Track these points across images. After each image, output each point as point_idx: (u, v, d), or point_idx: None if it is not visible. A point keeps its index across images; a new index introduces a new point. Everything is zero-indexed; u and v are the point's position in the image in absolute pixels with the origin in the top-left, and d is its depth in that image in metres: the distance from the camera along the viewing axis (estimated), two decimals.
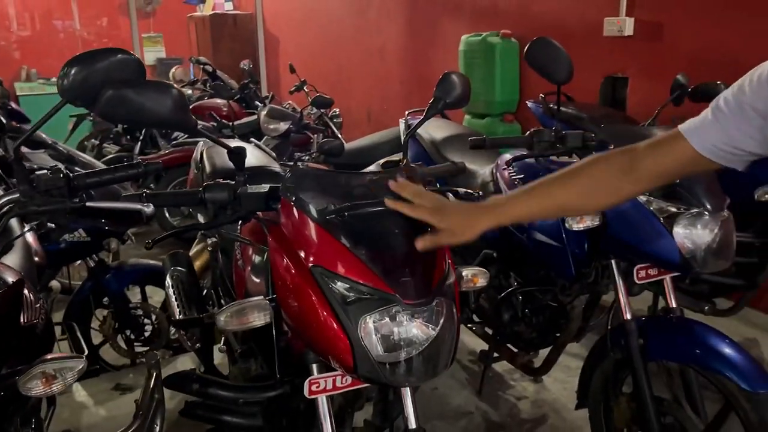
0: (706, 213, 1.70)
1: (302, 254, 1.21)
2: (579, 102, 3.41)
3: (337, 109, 5.41)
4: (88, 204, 1.24)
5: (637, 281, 1.84)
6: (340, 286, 1.15)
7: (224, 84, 5.88)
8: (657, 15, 3.53)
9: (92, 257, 2.91)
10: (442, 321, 1.18)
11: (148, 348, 2.98)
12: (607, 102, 3.85)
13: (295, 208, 1.25)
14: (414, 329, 1.16)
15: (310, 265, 1.18)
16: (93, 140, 6.04)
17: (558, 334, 2.32)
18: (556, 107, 2.16)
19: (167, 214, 4.96)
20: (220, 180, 1.36)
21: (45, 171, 1.25)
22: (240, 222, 1.73)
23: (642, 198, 1.75)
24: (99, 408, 2.66)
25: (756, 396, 1.61)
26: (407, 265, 1.17)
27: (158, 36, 9.20)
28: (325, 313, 1.15)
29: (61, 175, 1.24)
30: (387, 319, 1.15)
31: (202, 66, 6.78)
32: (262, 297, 1.30)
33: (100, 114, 1.14)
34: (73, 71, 1.16)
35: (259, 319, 1.27)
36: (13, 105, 5.18)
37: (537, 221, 2.05)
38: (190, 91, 6.69)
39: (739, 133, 1.01)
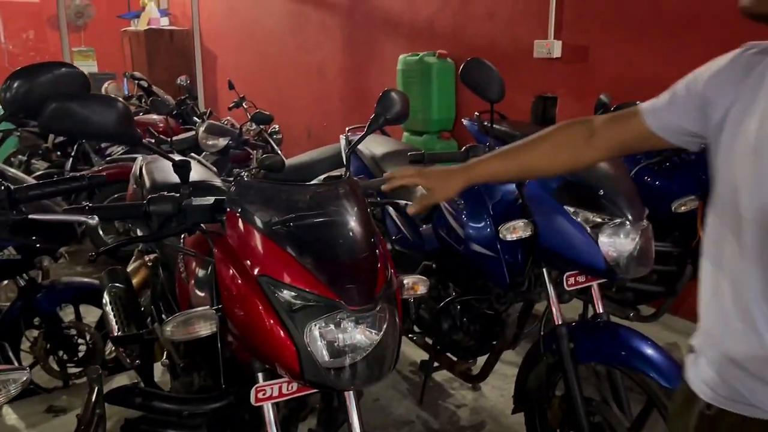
0: (628, 223, 1.82)
1: (248, 264, 1.24)
2: (512, 120, 3.55)
3: (277, 126, 5.42)
4: (30, 216, 1.23)
5: (566, 288, 1.95)
6: (286, 294, 1.19)
7: (161, 99, 5.79)
8: (582, 39, 3.74)
9: (22, 276, 2.81)
10: (385, 326, 1.24)
11: (81, 369, 2.89)
12: (538, 120, 4.03)
13: (240, 220, 1.28)
14: (358, 335, 1.21)
15: (257, 274, 1.22)
16: (20, 156, 5.82)
17: (494, 342, 2.41)
18: (489, 125, 2.27)
19: (101, 231, 4.83)
20: (165, 193, 1.37)
21: None
22: (183, 235, 1.74)
23: (570, 209, 1.87)
24: (31, 431, 2.56)
25: (675, 392, 1.73)
26: (351, 272, 1.22)
27: (89, 50, 8.97)
28: (271, 321, 1.19)
29: (2, 188, 1.23)
30: (332, 325, 1.19)
31: (137, 81, 6.66)
32: (208, 307, 1.32)
33: (44, 126, 1.15)
34: (16, 84, 1.17)
35: (205, 328, 1.29)
36: None
37: (472, 232, 2.14)
38: None
39: (689, 115, 1.08)
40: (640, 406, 1.89)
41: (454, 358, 2.58)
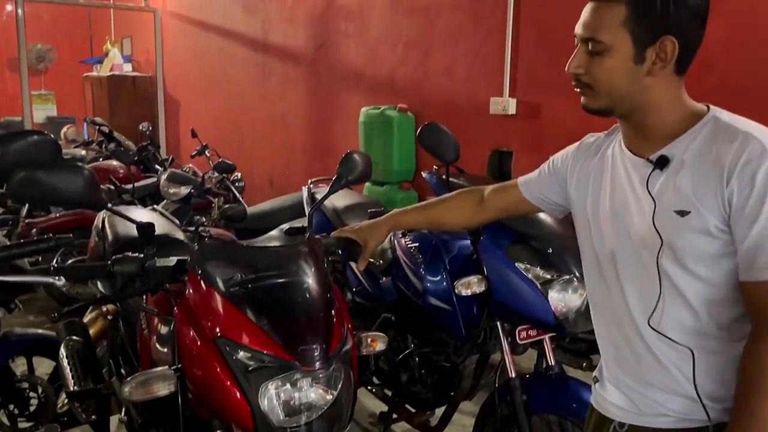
0: (576, 279, 1.92)
1: (207, 325, 1.28)
2: (469, 174, 3.67)
3: (239, 174, 5.46)
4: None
5: (519, 342, 2.02)
6: (242, 355, 1.23)
7: (123, 148, 5.78)
8: (535, 96, 3.93)
9: None
10: (340, 385, 1.28)
11: (32, 423, 2.82)
12: (495, 174, 4.17)
13: (201, 281, 1.33)
14: (313, 394, 1.25)
15: (215, 335, 1.26)
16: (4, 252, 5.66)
17: (452, 393, 2.46)
18: (446, 179, 2.37)
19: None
20: (129, 254, 1.41)
21: None
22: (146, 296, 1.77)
23: (521, 265, 1.96)
24: None
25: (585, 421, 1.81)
26: (307, 333, 1.27)
27: (49, 94, 8.94)
28: (227, 382, 1.22)
29: None
30: (288, 385, 1.23)
31: (98, 127, 6.64)
32: (167, 367, 1.34)
33: (11, 195, 1.18)
34: None
35: (164, 388, 1.31)
36: None
37: (430, 286, 2.21)
38: (84, 152, 6.51)
39: (552, 188, 1.40)
40: None
41: (413, 410, 2.61)
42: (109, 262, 1.37)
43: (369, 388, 2.71)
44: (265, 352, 1.23)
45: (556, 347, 2.89)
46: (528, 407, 1.98)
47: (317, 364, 1.24)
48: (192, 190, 4.60)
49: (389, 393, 2.68)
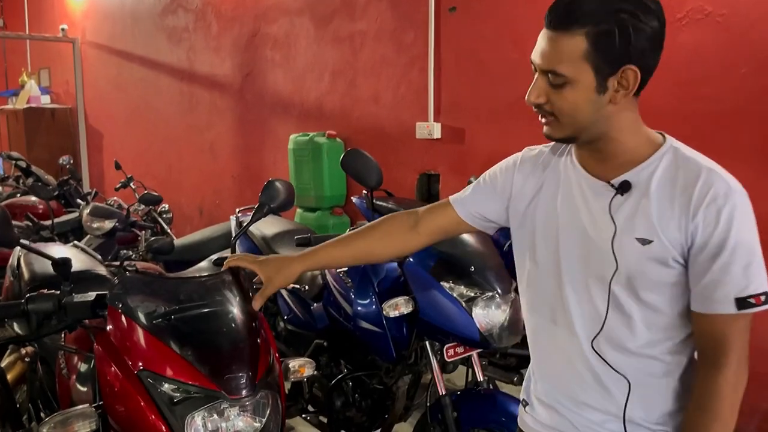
0: (498, 295, 1.99)
1: (129, 359, 1.26)
2: (397, 197, 3.74)
3: (167, 205, 5.34)
4: None
5: (447, 359, 2.07)
6: (167, 387, 1.22)
7: (41, 184, 5.57)
8: (458, 122, 4.05)
9: None
10: (268, 412, 1.28)
11: None
12: (423, 196, 4.26)
13: (122, 315, 1.30)
14: (240, 422, 1.25)
15: (138, 369, 1.24)
16: None
17: (386, 416, 2.48)
18: (372, 204, 2.41)
19: None
20: (44, 291, 1.37)
21: None
22: (64, 334, 1.71)
23: (446, 284, 2.01)
24: None
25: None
26: (232, 362, 1.27)
27: None
28: (152, 416, 1.21)
29: None
30: (214, 414, 1.23)
31: (14, 162, 6.38)
32: (87, 405, 1.31)
33: None
34: None
35: (84, 427, 1.27)
36: None
37: (360, 310, 2.24)
38: (0, 189, 6.23)
39: (488, 205, 1.32)
40: None
41: None
42: (23, 300, 1.33)
43: (304, 416, 2.70)
44: (190, 382, 1.21)
45: (488, 363, 2.97)
46: (459, 424, 2.02)
47: (243, 392, 1.24)
48: (117, 224, 4.48)
49: (324, 420, 2.67)
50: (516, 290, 2.05)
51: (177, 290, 1.35)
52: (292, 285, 1.84)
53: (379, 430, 2.55)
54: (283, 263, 1.40)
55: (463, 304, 1.99)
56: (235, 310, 1.37)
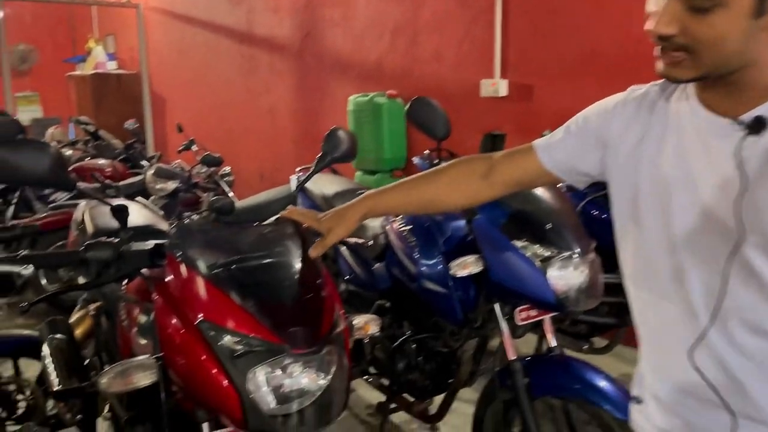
0: (576, 256, 1.85)
1: (189, 310, 1.20)
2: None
3: (228, 168, 5.37)
4: None
5: (518, 323, 1.95)
6: (227, 340, 1.15)
7: (108, 143, 5.68)
8: (526, 78, 3.85)
9: None
10: (333, 369, 1.20)
11: (21, 426, 2.73)
12: None
13: (181, 264, 1.25)
14: (304, 379, 1.17)
15: (197, 320, 1.18)
16: None
17: (451, 380, 2.39)
18: (438, 162, 2.29)
19: (43, 281, 4.65)
20: (103, 239, 1.33)
21: None
22: (125, 282, 1.68)
23: (518, 243, 1.88)
24: None
25: (629, 424, 1.74)
26: (296, 315, 1.19)
27: (34, 95, 8.77)
28: (213, 369, 1.14)
29: None
30: (277, 370, 1.15)
31: (83, 126, 6.54)
32: (147, 356, 1.26)
33: None
34: None
35: (144, 378, 1.23)
36: None
37: (424, 270, 2.14)
38: (70, 152, 6.40)
39: (579, 154, 1.12)
40: None
41: (411, 399, 2.54)
42: (82, 248, 1.29)
43: (365, 377, 2.64)
44: (252, 335, 1.15)
45: (556, 330, 2.83)
46: (530, 391, 1.91)
47: (308, 347, 1.16)
48: (179, 185, 4.52)
49: (386, 382, 2.60)
50: (596, 250, 1.90)
51: (237, 239, 1.29)
52: (354, 240, 1.76)
53: (443, 394, 2.47)
54: (341, 212, 1.28)
55: (538, 264, 1.85)
56: (298, 261, 1.29)
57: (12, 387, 2.79)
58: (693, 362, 0.95)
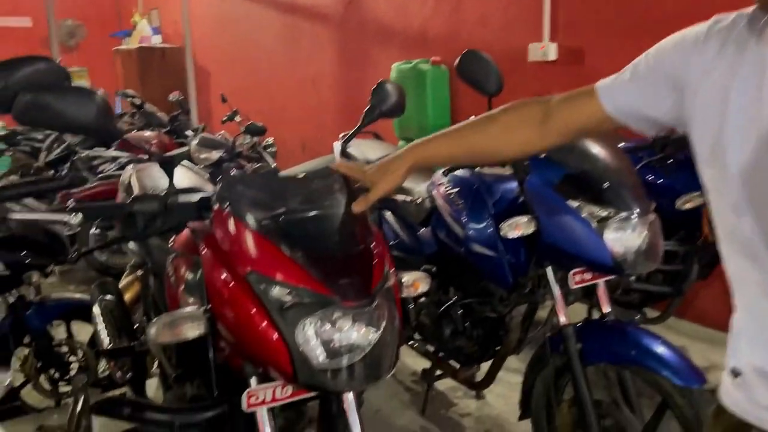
0: (635, 216, 1.76)
1: (237, 262, 1.17)
2: None
3: (271, 138, 5.37)
4: (11, 216, 1.17)
5: (572, 286, 1.88)
6: (276, 291, 1.12)
7: (153, 115, 5.75)
8: (578, 41, 3.70)
9: (11, 293, 2.74)
10: (383, 323, 1.16)
11: (73, 378, 2.80)
12: None
13: (228, 216, 1.22)
14: (354, 333, 1.13)
15: (246, 272, 1.15)
16: (13, 176, 5.78)
17: (498, 347, 2.34)
18: None
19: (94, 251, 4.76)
20: (150, 192, 1.31)
21: None
22: (172, 240, 1.68)
23: (573, 203, 1.80)
24: None
25: (690, 392, 1.66)
26: (345, 267, 1.16)
27: (83, 70, 8.93)
28: (261, 321, 1.12)
29: None
30: (327, 324, 1.12)
31: (129, 99, 6.63)
32: (196, 307, 1.25)
33: (16, 119, 1.09)
34: None
35: (192, 330, 1.21)
36: None
37: (473, 233, 2.07)
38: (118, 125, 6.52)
39: (650, 97, 0.99)
40: (650, 409, 1.82)
41: (457, 366, 2.50)
42: (129, 200, 1.27)
43: (411, 343, 2.61)
44: (301, 286, 1.11)
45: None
46: (583, 357, 1.84)
47: (358, 300, 1.12)
48: (223, 155, 4.53)
49: (432, 349, 2.57)
50: (656, 210, 1.81)
51: (285, 191, 1.25)
52: (402, 197, 1.71)
53: (490, 361, 2.42)
54: (386, 164, 1.22)
55: (594, 225, 1.77)
56: (348, 214, 1.24)
57: (65, 349, 2.86)
58: None
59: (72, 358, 2.89)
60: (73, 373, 2.86)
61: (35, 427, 2.61)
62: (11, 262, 2.63)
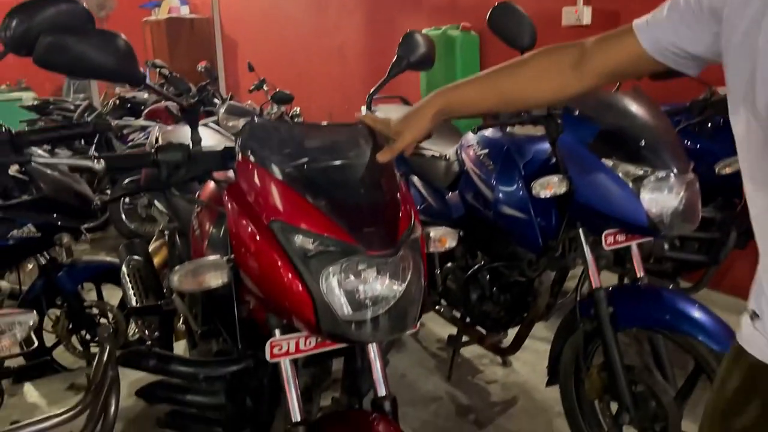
0: (673, 175, 1.69)
1: (261, 211, 1.15)
2: None
3: (298, 108, 5.35)
4: (33, 163, 1.16)
5: (605, 247, 1.82)
6: (300, 239, 1.09)
7: (179, 77, 5.77)
8: (612, 4, 3.58)
9: (43, 255, 2.78)
10: (409, 275, 1.13)
11: (99, 327, 2.85)
12: None
13: (251, 164, 1.19)
14: (379, 285, 1.10)
15: (269, 220, 1.12)
16: (45, 145, 5.85)
17: (526, 313, 2.30)
18: None
19: (124, 217, 4.82)
20: (173, 142, 1.29)
21: None
22: (198, 194, 1.67)
23: (608, 162, 1.74)
24: (52, 408, 2.52)
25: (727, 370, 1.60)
26: (371, 216, 1.12)
27: None
28: (285, 270, 1.09)
29: (3, 130, 1.16)
30: (351, 273, 1.09)
31: (158, 69, 6.64)
32: (219, 256, 1.23)
33: (37, 62, 1.07)
34: (14, 22, 1.09)
35: (215, 278, 1.19)
36: None
37: (502, 195, 2.03)
38: (146, 95, 6.55)
39: (690, 33, 0.95)
40: (682, 374, 1.77)
41: (484, 332, 2.47)
42: (153, 150, 1.26)
43: (437, 308, 2.58)
44: (325, 235, 1.08)
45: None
46: (614, 321, 1.79)
47: (384, 249, 1.09)
48: None
49: (458, 314, 2.54)
50: (695, 170, 1.74)
51: (310, 140, 1.22)
52: (430, 152, 1.67)
53: (517, 327, 2.38)
54: (411, 113, 1.18)
55: (629, 184, 1.70)
56: (373, 163, 1.21)
57: (95, 311, 2.90)
58: None
59: (102, 320, 2.94)
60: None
61: (67, 385, 2.66)
62: (42, 223, 2.66)
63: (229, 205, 1.22)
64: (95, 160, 1.15)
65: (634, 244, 1.86)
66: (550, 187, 1.79)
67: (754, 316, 0.92)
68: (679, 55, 0.98)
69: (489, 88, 1.16)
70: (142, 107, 6.04)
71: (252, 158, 1.19)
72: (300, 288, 1.08)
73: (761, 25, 0.83)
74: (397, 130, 1.18)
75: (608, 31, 1.07)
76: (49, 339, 2.84)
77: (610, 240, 1.81)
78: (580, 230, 1.85)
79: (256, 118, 1.33)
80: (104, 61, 1.10)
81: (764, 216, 0.89)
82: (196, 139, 1.29)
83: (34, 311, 1.12)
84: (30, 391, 2.66)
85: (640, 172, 1.70)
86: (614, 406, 1.85)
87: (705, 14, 0.92)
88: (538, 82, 1.12)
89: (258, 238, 1.13)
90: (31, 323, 1.09)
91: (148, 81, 1.19)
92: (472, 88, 1.17)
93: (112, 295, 2.95)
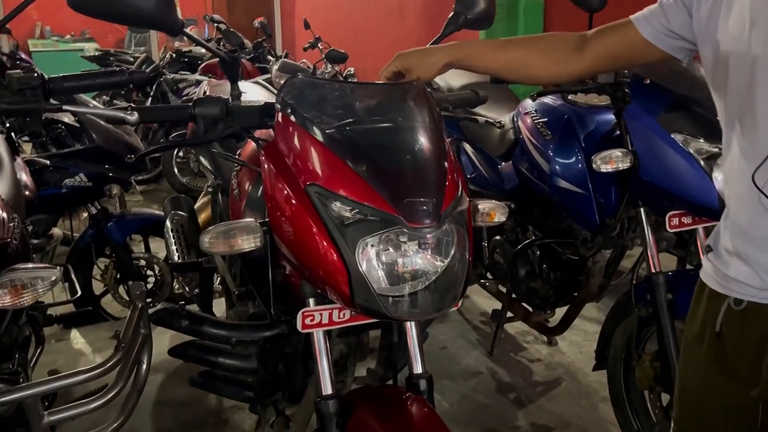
0: None
1: (298, 173, 1.08)
2: None
3: (352, 69, 5.26)
4: (65, 107, 1.12)
5: (668, 229, 1.68)
6: (337, 206, 1.02)
7: (233, 31, 5.75)
8: None
9: (95, 204, 2.82)
10: (453, 251, 1.05)
11: (150, 300, 2.89)
12: None
13: (291, 123, 1.12)
14: (419, 259, 1.02)
15: (306, 184, 1.05)
16: (104, 96, 5.97)
17: (576, 293, 2.19)
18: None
19: (176, 170, 4.87)
20: (212, 95, 1.23)
21: (18, 71, 1.13)
22: (239, 152, 1.62)
23: (679, 137, 1.60)
24: (96, 356, 2.58)
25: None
26: (415, 184, 1.04)
27: None
28: (320, 237, 1.02)
29: (35, 75, 1.12)
30: (390, 247, 1.01)
31: (216, 24, 6.64)
32: (253, 220, 1.17)
33: (72, 5, 1.02)
34: None
35: (248, 242, 1.13)
36: (23, 55, 5.10)
37: (559, 168, 1.91)
38: (203, 49, 6.57)
39: (672, 16, 1.07)
40: None
41: (530, 309, 2.38)
42: (191, 103, 1.20)
43: (482, 281, 2.50)
44: (365, 203, 1.00)
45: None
46: (672, 309, 1.67)
47: (426, 221, 1.01)
48: None
49: (504, 289, 2.45)
50: None
51: (355, 98, 1.14)
52: (483, 119, 1.57)
53: (566, 307, 2.28)
54: (427, 51, 1.27)
55: (701, 162, 1.56)
56: (422, 126, 1.12)
57: (142, 262, 2.94)
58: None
59: (149, 272, 2.98)
60: (149, 286, 2.95)
61: (112, 333, 2.71)
62: (93, 173, 2.70)
63: (266, 166, 1.15)
64: (129, 111, 1.10)
65: (700, 228, 1.73)
66: (612, 161, 1.66)
67: (708, 249, 1.07)
68: (667, 35, 1.08)
69: (500, 53, 1.28)
70: (199, 61, 6.06)
71: (292, 117, 1.12)
72: (335, 257, 1.02)
73: (719, 7, 0.97)
74: (407, 66, 1.26)
75: (609, 23, 1.19)
76: (98, 287, 2.90)
77: (675, 222, 1.67)
78: (642, 209, 1.73)
79: (300, 75, 1.25)
80: (140, 6, 1.04)
81: (728, 161, 1.02)
82: (235, 93, 1.23)
83: (58, 268, 1.10)
84: (77, 338, 2.73)
85: (715, 150, 1.56)
86: (665, 398, 1.75)
87: (679, 3, 1.05)
88: (545, 57, 1.25)
89: (294, 202, 1.07)
90: (53, 279, 1.06)
91: (186, 30, 1.13)
92: (488, 51, 1.28)
93: (160, 248, 2.98)
